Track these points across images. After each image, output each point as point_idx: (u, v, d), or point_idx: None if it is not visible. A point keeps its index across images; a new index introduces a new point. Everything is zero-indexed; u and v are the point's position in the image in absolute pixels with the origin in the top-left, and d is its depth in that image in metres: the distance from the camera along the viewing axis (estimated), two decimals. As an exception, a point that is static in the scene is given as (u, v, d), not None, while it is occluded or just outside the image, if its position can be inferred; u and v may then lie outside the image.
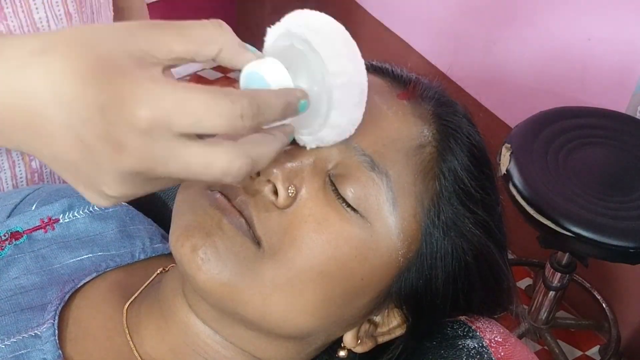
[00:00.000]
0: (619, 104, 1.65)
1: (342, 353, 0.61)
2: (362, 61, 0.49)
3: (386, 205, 0.55)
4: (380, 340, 0.61)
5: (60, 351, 0.58)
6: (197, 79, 2.51)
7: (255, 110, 0.42)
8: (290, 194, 0.53)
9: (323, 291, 0.54)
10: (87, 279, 0.65)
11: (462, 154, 0.58)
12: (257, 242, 0.53)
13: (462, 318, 0.63)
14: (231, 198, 0.54)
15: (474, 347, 0.60)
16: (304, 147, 0.55)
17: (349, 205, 0.54)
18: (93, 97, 0.39)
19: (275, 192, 0.53)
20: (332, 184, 0.55)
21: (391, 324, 0.60)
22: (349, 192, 0.54)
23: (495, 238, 0.60)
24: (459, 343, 0.61)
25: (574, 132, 1.51)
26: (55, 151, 0.42)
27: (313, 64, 0.47)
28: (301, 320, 0.55)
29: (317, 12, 0.49)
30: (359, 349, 0.60)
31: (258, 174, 0.54)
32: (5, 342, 0.59)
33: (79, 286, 0.64)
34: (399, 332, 0.60)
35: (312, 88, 0.48)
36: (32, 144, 0.42)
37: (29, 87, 0.40)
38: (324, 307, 0.55)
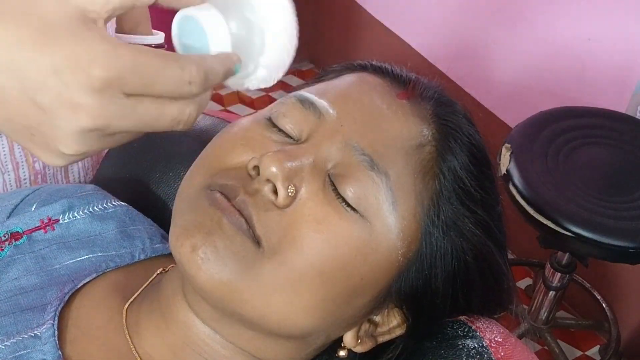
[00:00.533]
0: (619, 104, 1.65)
1: (342, 353, 0.61)
2: (288, 2, 0.49)
3: (386, 205, 0.55)
4: (380, 340, 0.61)
5: (60, 352, 0.58)
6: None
7: (203, 77, 0.44)
8: (290, 194, 0.53)
9: (323, 291, 0.54)
10: (87, 280, 0.65)
11: (462, 153, 0.58)
12: (257, 242, 0.53)
13: (462, 318, 0.63)
14: (231, 197, 0.54)
15: (474, 347, 0.60)
16: (303, 147, 0.55)
17: (348, 205, 0.54)
18: (45, 61, 0.41)
19: (275, 192, 0.53)
20: (332, 184, 0.55)
21: (391, 324, 0.60)
22: (349, 192, 0.54)
23: (495, 238, 0.60)
24: (459, 343, 0.61)
25: (574, 132, 1.51)
26: (8, 116, 0.43)
27: (243, 7, 0.48)
28: (301, 320, 0.55)
29: None
30: (359, 349, 0.60)
31: (258, 173, 0.54)
32: (5, 343, 0.58)
33: (78, 287, 0.64)
34: (398, 332, 0.60)
35: (241, 32, 0.48)
36: None
37: None
38: (324, 307, 0.55)
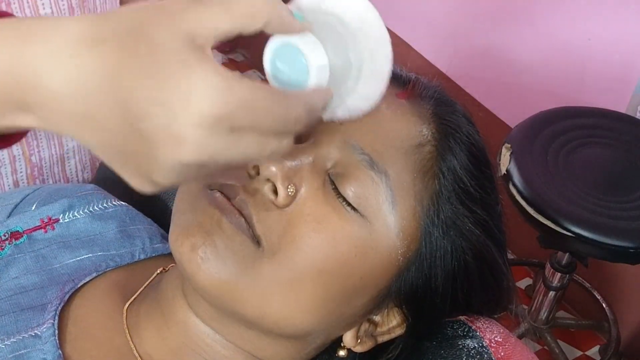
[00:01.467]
0: (619, 104, 1.65)
1: (341, 353, 0.61)
2: (387, 35, 0.49)
3: (385, 205, 0.55)
4: (380, 339, 0.61)
5: (60, 351, 0.58)
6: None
7: (307, 115, 0.44)
8: (289, 193, 0.53)
9: (322, 290, 0.54)
10: (87, 279, 0.65)
11: (462, 153, 0.58)
12: (257, 241, 0.53)
13: (462, 318, 0.63)
14: (231, 197, 0.54)
15: (474, 347, 0.60)
16: (303, 146, 0.55)
17: (348, 204, 0.54)
18: (154, 90, 0.39)
19: (275, 191, 0.53)
20: (332, 183, 0.55)
21: (391, 324, 0.60)
22: (349, 191, 0.54)
23: (494, 237, 0.60)
24: (459, 343, 0.61)
25: (574, 132, 1.51)
26: (103, 140, 0.42)
27: (342, 37, 0.47)
28: (300, 319, 0.55)
29: None
30: (358, 349, 0.60)
31: (257, 172, 0.54)
32: (5, 342, 0.59)
33: (78, 286, 0.64)
34: (398, 332, 0.60)
35: (337, 62, 0.48)
36: (78, 131, 0.42)
37: (81, 77, 0.40)
38: (324, 306, 0.55)
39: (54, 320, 0.60)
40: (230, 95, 0.40)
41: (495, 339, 0.61)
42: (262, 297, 0.53)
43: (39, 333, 0.59)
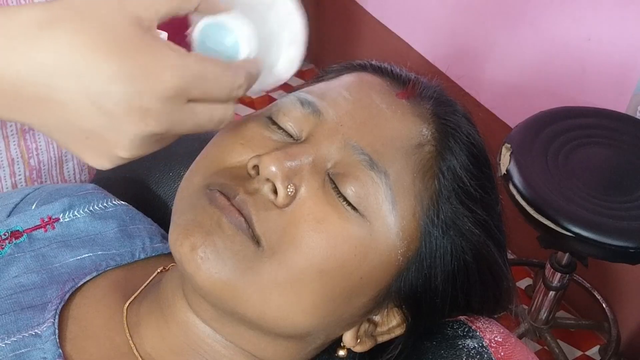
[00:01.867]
0: (619, 104, 1.65)
1: (341, 352, 0.61)
2: (295, 4, 0.54)
3: (385, 204, 0.55)
4: (380, 339, 0.61)
5: (60, 350, 0.58)
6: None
7: (247, 81, 0.49)
8: (289, 193, 0.53)
9: (322, 290, 0.54)
10: (87, 278, 0.65)
11: (462, 153, 0.58)
12: (257, 241, 0.53)
13: (462, 318, 0.63)
14: (230, 197, 0.54)
15: (474, 347, 0.60)
16: (303, 146, 0.55)
17: (349, 204, 0.54)
18: (114, 67, 0.42)
19: (275, 191, 0.53)
20: (332, 183, 0.55)
21: (391, 324, 0.60)
22: (349, 191, 0.54)
23: (494, 237, 0.60)
24: (459, 343, 0.61)
25: (574, 132, 1.51)
26: (64, 120, 0.44)
27: (259, 12, 0.52)
28: (300, 319, 0.55)
29: None
30: (358, 349, 0.60)
31: (257, 172, 0.54)
32: (6, 341, 0.59)
33: (79, 285, 0.64)
34: (398, 332, 0.60)
35: (259, 35, 0.52)
36: (36, 114, 0.45)
37: (38, 60, 0.43)
38: (324, 306, 0.55)
39: (54, 320, 0.60)
40: (186, 67, 0.44)
41: (495, 339, 0.61)
42: (262, 297, 0.53)
43: (39, 332, 0.59)
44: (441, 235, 0.57)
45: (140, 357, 0.59)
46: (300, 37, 0.54)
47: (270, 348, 0.59)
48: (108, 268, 0.67)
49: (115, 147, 0.45)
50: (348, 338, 0.60)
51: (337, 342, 0.61)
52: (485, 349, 0.60)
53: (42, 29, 0.43)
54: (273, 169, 0.53)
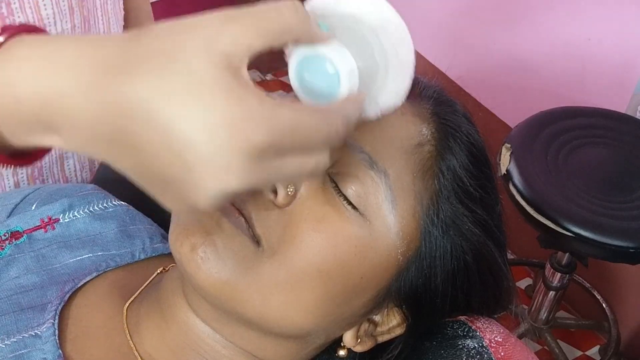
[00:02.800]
0: (619, 104, 1.65)
1: (341, 352, 0.61)
2: (405, 25, 0.48)
3: (385, 204, 0.55)
4: (380, 339, 0.61)
5: (60, 351, 0.58)
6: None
7: (345, 126, 0.43)
8: (289, 193, 0.53)
9: (322, 290, 0.54)
10: (87, 279, 0.65)
11: (461, 152, 0.58)
12: (257, 241, 0.53)
13: (462, 318, 0.63)
14: None
15: (474, 347, 0.60)
16: None
17: (349, 204, 0.54)
18: (197, 119, 0.37)
19: (275, 191, 0.53)
20: (332, 182, 0.55)
21: (391, 323, 0.60)
22: (350, 190, 0.54)
23: (494, 237, 0.60)
24: (459, 343, 0.61)
25: (574, 132, 1.51)
26: (143, 164, 0.40)
27: (363, 37, 0.47)
28: (301, 319, 0.55)
29: None
30: (358, 348, 0.60)
31: None
32: (6, 342, 0.59)
33: (79, 286, 0.64)
34: (398, 332, 0.60)
35: (363, 63, 0.48)
36: (112, 155, 0.42)
37: (108, 106, 0.39)
38: (324, 306, 0.55)
39: (54, 320, 0.60)
40: (276, 123, 0.39)
41: (495, 339, 0.61)
42: (262, 297, 0.53)
43: (39, 333, 0.59)
44: (441, 235, 0.57)
45: (140, 357, 0.59)
46: (410, 66, 0.48)
47: (271, 348, 0.59)
48: (108, 269, 0.67)
49: (194, 199, 0.40)
50: (348, 338, 0.60)
51: (337, 342, 0.61)
52: (485, 349, 0.60)
53: (114, 74, 0.38)
54: None
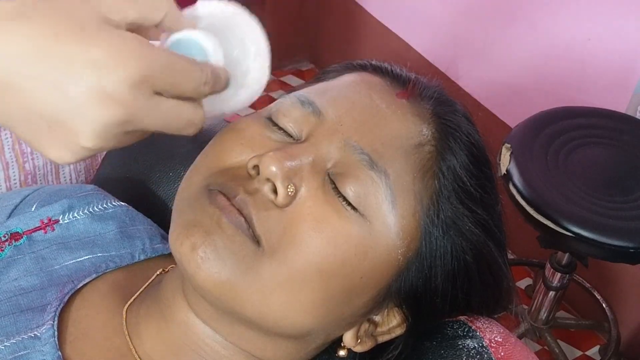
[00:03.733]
0: (619, 104, 1.65)
1: (341, 352, 0.61)
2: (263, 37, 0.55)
3: (385, 204, 0.55)
4: (380, 339, 0.61)
5: (59, 352, 0.58)
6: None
7: (214, 80, 0.49)
8: (289, 193, 0.53)
9: (322, 290, 0.54)
10: (87, 280, 0.65)
11: (462, 152, 0.58)
12: (257, 241, 0.53)
13: (462, 318, 0.63)
14: (231, 197, 0.54)
15: (474, 347, 0.60)
16: (303, 146, 0.55)
17: (349, 204, 0.54)
18: (82, 54, 0.43)
19: (275, 191, 0.53)
20: (332, 182, 0.55)
21: (391, 324, 0.60)
22: (349, 190, 0.54)
23: (494, 237, 0.60)
24: (459, 343, 0.61)
25: (574, 132, 1.51)
26: (27, 108, 0.45)
27: (230, 38, 0.54)
28: (300, 319, 0.55)
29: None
30: (358, 349, 0.60)
31: (258, 172, 0.54)
32: (5, 344, 0.58)
33: (78, 287, 0.64)
34: (398, 332, 0.60)
35: (229, 54, 0.54)
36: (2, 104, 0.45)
37: (3, 48, 0.44)
38: (324, 306, 0.55)
39: (53, 322, 0.60)
40: (153, 59, 0.45)
41: (495, 339, 0.61)
42: (262, 296, 0.53)
43: (39, 334, 0.59)
44: (441, 235, 0.57)
45: (140, 358, 0.59)
46: (265, 49, 0.55)
47: (270, 348, 0.59)
48: (108, 270, 0.66)
49: (78, 136, 0.45)
50: (348, 338, 0.60)
51: (337, 342, 0.61)
52: (485, 349, 0.60)
53: (12, 19, 0.44)
54: (273, 169, 0.53)
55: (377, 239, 0.55)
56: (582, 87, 1.76)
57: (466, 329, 0.62)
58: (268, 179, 0.54)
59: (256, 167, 0.54)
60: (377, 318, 0.60)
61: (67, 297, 0.63)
